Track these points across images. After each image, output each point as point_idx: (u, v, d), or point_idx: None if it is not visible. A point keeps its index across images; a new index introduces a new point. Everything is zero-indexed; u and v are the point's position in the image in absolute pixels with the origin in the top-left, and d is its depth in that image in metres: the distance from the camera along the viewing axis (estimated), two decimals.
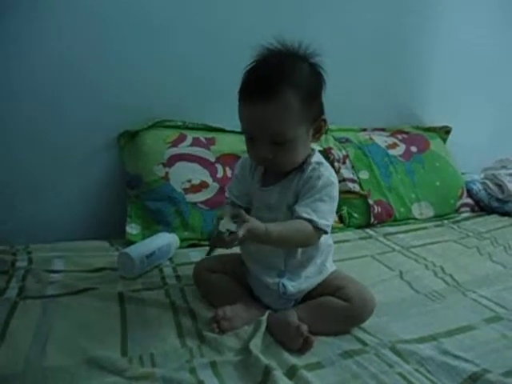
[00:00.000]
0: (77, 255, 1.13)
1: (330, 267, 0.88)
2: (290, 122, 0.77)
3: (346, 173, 1.52)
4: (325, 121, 0.83)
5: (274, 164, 0.82)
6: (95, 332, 0.79)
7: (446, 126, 1.82)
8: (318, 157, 0.86)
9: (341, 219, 1.47)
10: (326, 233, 0.82)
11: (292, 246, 0.84)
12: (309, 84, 0.79)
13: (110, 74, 1.29)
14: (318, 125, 0.83)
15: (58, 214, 1.31)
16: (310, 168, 0.83)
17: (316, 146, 1.51)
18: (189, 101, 1.39)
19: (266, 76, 0.77)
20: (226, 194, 0.98)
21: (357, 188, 1.50)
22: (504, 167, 1.76)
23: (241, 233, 0.71)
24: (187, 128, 1.40)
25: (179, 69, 1.36)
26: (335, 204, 0.84)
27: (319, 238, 0.83)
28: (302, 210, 0.80)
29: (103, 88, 1.29)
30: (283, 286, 0.84)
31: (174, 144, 1.33)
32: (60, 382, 0.65)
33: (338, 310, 0.80)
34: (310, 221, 0.79)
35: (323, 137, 1.58)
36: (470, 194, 1.70)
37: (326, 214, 0.80)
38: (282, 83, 0.75)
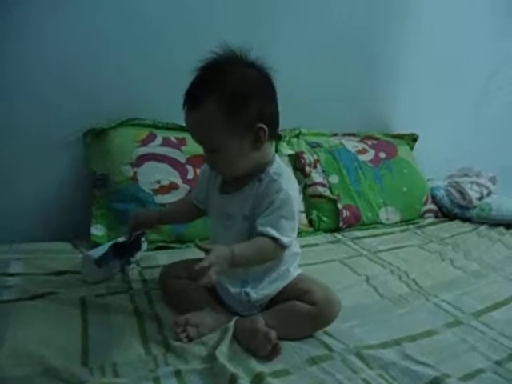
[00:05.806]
0: (37, 257, 1.08)
1: (294, 271, 0.88)
2: (214, 131, 0.77)
3: (317, 177, 1.54)
4: (263, 129, 0.79)
5: (217, 171, 0.86)
6: (54, 340, 0.76)
7: (414, 134, 1.87)
8: (277, 167, 0.85)
9: (310, 223, 1.48)
10: (287, 248, 0.82)
11: (258, 264, 0.84)
12: (238, 92, 0.77)
13: (75, 69, 1.24)
14: (255, 133, 0.79)
15: (17, 215, 1.24)
16: (268, 179, 0.82)
17: (288, 150, 1.53)
18: (160, 100, 1.35)
19: (193, 87, 0.79)
20: (191, 195, 1.00)
21: (327, 192, 1.52)
22: (466, 175, 1.83)
23: (209, 259, 0.70)
24: (157, 127, 1.37)
25: (152, 67, 1.33)
26: (297, 218, 0.84)
27: (282, 253, 0.83)
28: (266, 229, 0.79)
29: (71, 83, 1.24)
30: (246, 294, 0.84)
31: (144, 143, 1.30)
32: None
33: (304, 314, 0.80)
34: (273, 239, 0.79)
35: (295, 140, 1.60)
36: (434, 200, 1.76)
37: (288, 230, 0.81)
38: (204, 93, 0.76)
